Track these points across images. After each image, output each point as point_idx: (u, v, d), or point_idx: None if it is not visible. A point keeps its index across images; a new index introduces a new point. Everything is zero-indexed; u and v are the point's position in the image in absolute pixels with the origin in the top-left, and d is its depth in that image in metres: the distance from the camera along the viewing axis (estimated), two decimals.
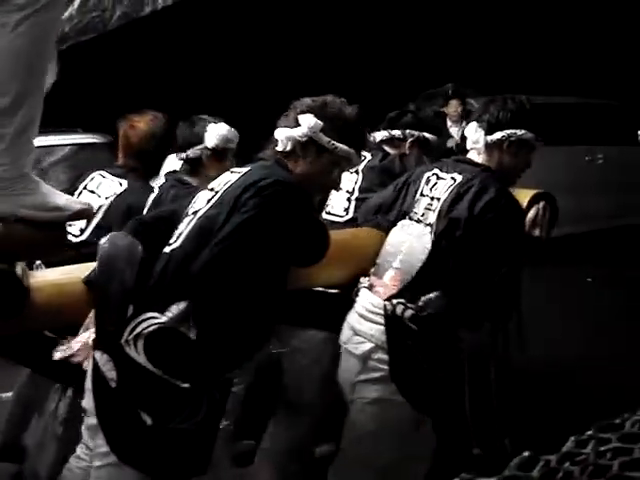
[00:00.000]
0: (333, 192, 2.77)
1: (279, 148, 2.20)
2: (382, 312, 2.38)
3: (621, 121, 8.15)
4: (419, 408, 2.34)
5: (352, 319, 2.52)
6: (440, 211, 2.44)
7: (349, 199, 2.93)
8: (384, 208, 2.69)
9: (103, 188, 2.94)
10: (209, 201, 2.14)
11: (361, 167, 2.97)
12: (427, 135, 3.14)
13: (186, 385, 1.85)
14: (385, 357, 2.34)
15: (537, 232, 2.48)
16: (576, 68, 9.40)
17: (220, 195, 2.12)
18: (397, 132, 3.15)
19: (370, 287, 2.51)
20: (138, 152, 2.93)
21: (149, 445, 1.84)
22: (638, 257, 7.17)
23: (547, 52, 9.72)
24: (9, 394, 3.29)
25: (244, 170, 2.23)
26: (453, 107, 7.53)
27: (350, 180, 2.91)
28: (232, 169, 2.31)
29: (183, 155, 2.95)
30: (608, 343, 4.72)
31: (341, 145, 2.21)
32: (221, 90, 8.31)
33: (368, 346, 2.39)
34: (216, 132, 2.94)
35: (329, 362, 2.60)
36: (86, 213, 2.04)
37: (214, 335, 1.89)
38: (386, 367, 2.34)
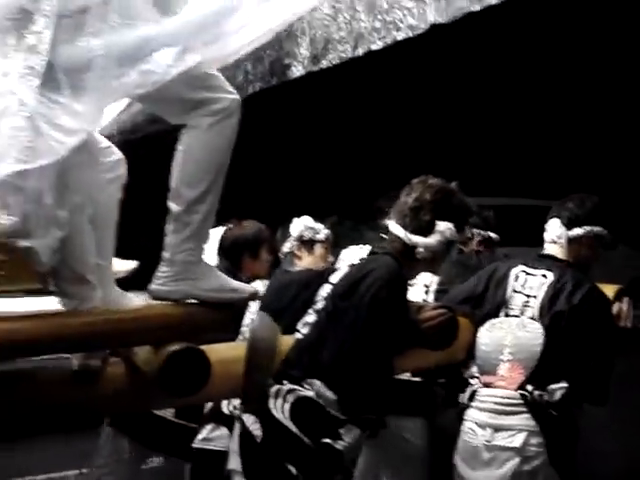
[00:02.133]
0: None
1: (420, 256, 2.41)
2: (522, 401, 2.59)
3: None
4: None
5: (484, 417, 2.66)
6: (541, 308, 2.71)
7: (427, 292, 3.14)
8: (471, 301, 2.91)
9: None
10: (328, 294, 2.39)
11: None
12: (492, 235, 3.39)
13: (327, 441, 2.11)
14: (542, 440, 2.54)
15: (623, 323, 2.76)
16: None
17: (336, 288, 2.37)
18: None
19: (487, 385, 2.71)
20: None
21: None
22: None
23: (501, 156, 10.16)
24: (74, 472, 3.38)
25: (357, 264, 2.46)
26: None
27: (426, 274, 3.13)
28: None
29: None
30: None
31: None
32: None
33: (523, 436, 2.56)
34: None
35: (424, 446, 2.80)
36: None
37: (350, 405, 2.16)
38: (544, 449, 2.54)
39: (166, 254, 2.13)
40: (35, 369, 2.10)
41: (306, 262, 3.22)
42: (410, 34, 3.99)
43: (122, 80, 1.79)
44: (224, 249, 3.34)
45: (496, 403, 2.62)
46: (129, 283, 2.84)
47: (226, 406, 2.75)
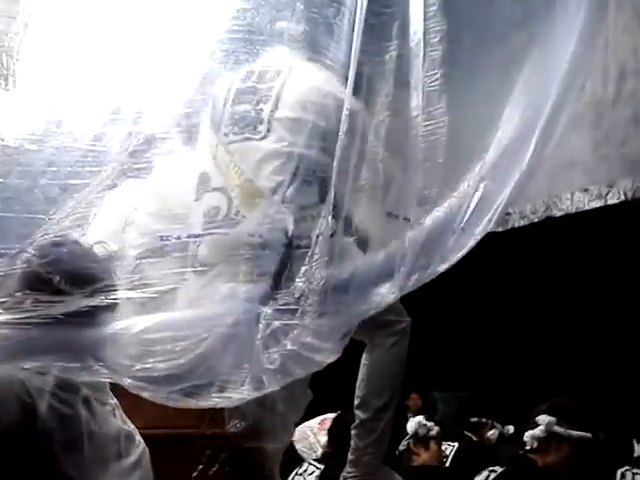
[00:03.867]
0: None
1: (527, 447, 2.68)
2: None
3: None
4: None
5: None
6: None
7: None
8: None
9: None
10: None
11: None
12: None
13: None
14: None
15: None
16: None
17: None
18: None
19: None
20: None
21: None
22: None
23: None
24: None
25: (498, 470, 2.72)
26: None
27: None
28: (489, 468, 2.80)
29: None
30: None
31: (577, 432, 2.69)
32: None
33: None
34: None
35: None
36: None
37: None
38: None
39: (351, 456, 2.39)
40: None
41: (423, 458, 3.45)
42: None
43: (360, 305, 1.94)
44: (333, 434, 3.44)
45: None
46: None
47: None
